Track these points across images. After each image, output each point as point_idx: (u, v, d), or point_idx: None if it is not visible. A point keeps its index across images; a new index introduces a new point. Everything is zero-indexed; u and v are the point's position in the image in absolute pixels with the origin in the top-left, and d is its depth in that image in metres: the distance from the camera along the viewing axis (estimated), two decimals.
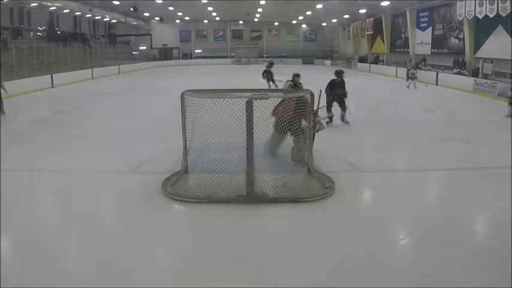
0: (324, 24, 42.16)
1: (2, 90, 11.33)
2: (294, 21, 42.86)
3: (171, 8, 34.02)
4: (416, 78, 19.22)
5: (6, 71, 16.72)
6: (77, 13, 31.03)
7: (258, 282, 3.40)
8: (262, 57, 33.85)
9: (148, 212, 4.84)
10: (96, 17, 34.44)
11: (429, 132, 9.15)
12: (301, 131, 5.89)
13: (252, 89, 5.48)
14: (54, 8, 27.68)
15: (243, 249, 3.97)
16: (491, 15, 17.38)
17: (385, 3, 25.15)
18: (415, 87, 18.67)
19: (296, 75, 8.74)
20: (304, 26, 45.14)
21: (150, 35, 43.34)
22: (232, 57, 43.36)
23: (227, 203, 4.96)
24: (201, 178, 5.25)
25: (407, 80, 19.82)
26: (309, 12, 34.92)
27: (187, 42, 44.72)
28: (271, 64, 16.24)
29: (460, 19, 20.30)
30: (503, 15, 16.64)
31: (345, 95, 9.55)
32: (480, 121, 10.62)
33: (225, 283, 3.40)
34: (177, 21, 42.50)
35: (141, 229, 4.40)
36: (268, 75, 15.57)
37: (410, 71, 20.08)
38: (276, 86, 14.58)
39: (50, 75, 19.48)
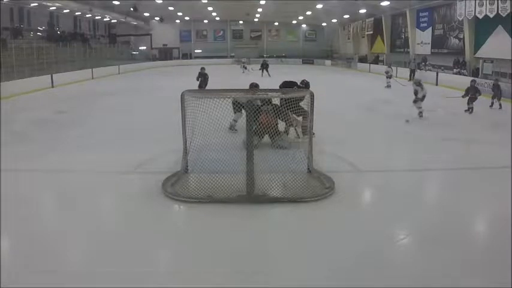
0: (324, 24, 42.14)
1: None
2: (294, 21, 42.82)
3: (171, 8, 34.01)
4: (391, 77, 19.32)
5: (6, 71, 16.75)
6: (77, 13, 31.03)
7: (258, 282, 3.40)
8: (263, 57, 33.84)
9: (148, 212, 4.83)
10: (96, 17, 34.45)
11: (429, 132, 9.15)
12: (278, 134, 6.62)
13: (251, 89, 5.48)
14: (54, 8, 27.68)
15: (243, 249, 3.96)
16: (491, 15, 17.36)
17: (385, 3, 25.11)
18: (390, 86, 18.77)
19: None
20: (304, 26, 45.09)
21: (150, 35, 43.31)
22: (232, 57, 43.27)
23: (227, 203, 4.96)
24: (201, 178, 5.26)
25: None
26: (309, 12, 34.89)
27: (187, 42, 44.67)
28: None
29: (460, 19, 20.28)
30: (503, 15, 16.62)
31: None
32: (480, 121, 10.60)
33: (225, 283, 3.40)
34: (177, 21, 42.47)
35: (141, 229, 4.40)
36: (202, 79, 12.67)
37: (385, 70, 20.14)
38: None
39: (50, 75, 19.45)
